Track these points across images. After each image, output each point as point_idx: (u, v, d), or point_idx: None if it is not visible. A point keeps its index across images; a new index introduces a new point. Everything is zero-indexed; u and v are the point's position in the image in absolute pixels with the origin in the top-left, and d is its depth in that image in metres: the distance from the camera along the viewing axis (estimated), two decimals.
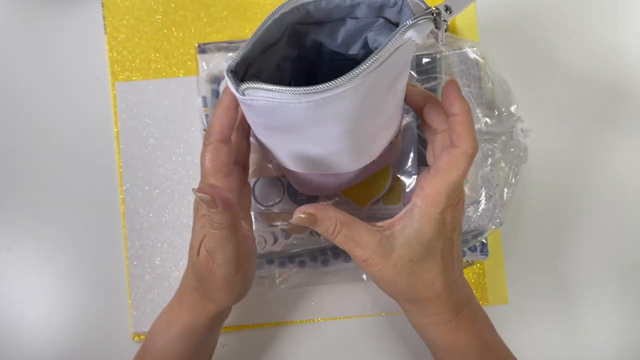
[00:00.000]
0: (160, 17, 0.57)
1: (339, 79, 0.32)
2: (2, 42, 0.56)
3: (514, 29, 0.57)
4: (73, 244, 0.54)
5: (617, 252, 0.56)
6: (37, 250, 0.54)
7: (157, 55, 0.56)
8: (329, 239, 0.40)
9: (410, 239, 0.39)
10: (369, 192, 0.49)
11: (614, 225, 0.56)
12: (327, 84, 0.32)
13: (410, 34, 0.34)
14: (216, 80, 0.54)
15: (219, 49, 0.55)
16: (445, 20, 0.36)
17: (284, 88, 0.32)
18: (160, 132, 0.55)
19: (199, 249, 0.40)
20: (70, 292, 0.54)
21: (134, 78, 0.56)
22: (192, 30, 0.57)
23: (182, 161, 0.55)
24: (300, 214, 0.39)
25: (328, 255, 0.52)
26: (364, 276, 0.54)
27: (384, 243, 0.39)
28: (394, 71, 0.35)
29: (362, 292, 0.54)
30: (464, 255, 0.53)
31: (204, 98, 0.54)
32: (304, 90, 0.32)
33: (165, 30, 0.56)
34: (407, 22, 0.34)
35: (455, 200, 0.39)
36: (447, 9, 0.36)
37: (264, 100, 0.33)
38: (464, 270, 0.55)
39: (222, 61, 0.54)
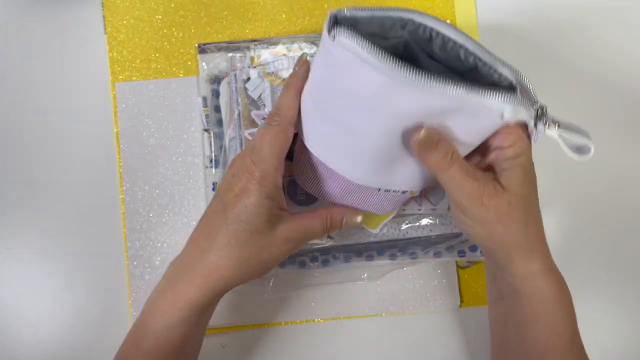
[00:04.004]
0: (160, 17, 0.57)
1: (436, 77, 0.34)
2: (2, 42, 0.56)
3: (514, 28, 0.57)
4: (73, 243, 0.54)
5: (617, 252, 0.56)
6: (37, 250, 0.54)
7: (157, 55, 0.56)
8: (437, 168, 0.38)
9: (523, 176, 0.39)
10: (380, 216, 0.50)
11: (614, 225, 0.56)
12: (422, 73, 0.34)
13: (504, 107, 0.36)
14: (216, 80, 0.54)
15: (219, 49, 0.55)
16: (547, 126, 0.38)
17: (374, 49, 0.33)
18: (161, 132, 0.55)
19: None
20: (70, 292, 0.54)
21: (134, 78, 0.56)
22: (192, 31, 0.57)
23: (182, 161, 0.55)
24: (423, 132, 0.37)
25: (328, 255, 0.52)
26: (364, 276, 0.54)
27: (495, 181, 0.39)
28: (466, 126, 0.37)
29: (362, 292, 0.54)
30: (463, 255, 0.53)
31: (204, 98, 0.54)
32: (395, 62, 0.33)
33: (165, 31, 0.56)
34: (510, 97, 0.36)
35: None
36: (556, 122, 0.38)
37: (346, 52, 0.34)
38: (464, 270, 0.55)
39: (222, 61, 0.54)
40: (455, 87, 0.34)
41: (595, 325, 0.55)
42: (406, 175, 0.42)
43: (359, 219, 0.46)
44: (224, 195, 0.42)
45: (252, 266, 0.42)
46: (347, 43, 0.34)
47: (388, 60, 0.33)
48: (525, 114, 0.37)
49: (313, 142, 0.42)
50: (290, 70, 0.52)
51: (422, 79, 0.34)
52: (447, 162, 0.38)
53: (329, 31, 0.34)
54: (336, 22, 0.35)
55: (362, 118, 0.37)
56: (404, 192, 0.43)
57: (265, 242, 0.42)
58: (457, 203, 0.39)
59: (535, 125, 0.38)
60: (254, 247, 0.41)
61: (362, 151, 0.39)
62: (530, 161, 0.39)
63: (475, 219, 0.39)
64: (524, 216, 0.39)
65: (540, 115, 0.38)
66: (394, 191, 0.43)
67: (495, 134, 0.39)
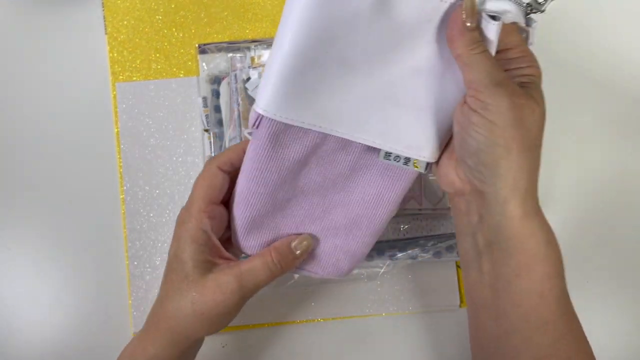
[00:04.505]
0: (160, 17, 0.57)
1: None
2: (3, 42, 0.56)
3: None
4: (73, 243, 0.54)
5: (617, 252, 0.56)
6: (37, 250, 0.54)
7: (158, 55, 0.56)
8: (469, 48, 0.36)
9: None
10: None
11: (614, 225, 0.56)
12: None
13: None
14: (216, 80, 0.54)
15: (219, 50, 0.55)
16: (540, 10, 0.36)
17: None
18: (161, 133, 0.55)
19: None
20: (70, 292, 0.54)
21: (134, 78, 0.56)
22: (193, 31, 0.57)
23: (182, 161, 0.55)
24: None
25: None
26: (364, 275, 0.54)
27: None
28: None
29: (362, 292, 0.54)
30: None
31: (204, 98, 0.54)
32: None
33: (165, 31, 0.57)
34: None
35: None
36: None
37: None
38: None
39: (223, 61, 0.54)
40: None
41: (594, 325, 0.55)
42: (405, 121, 0.39)
43: (308, 241, 0.42)
44: None
45: (188, 317, 0.39)
46: None
47: None
48: (514, 9, 0.36)
49: (302, 110, 0.38)
50: None
51: None
52: (481, 45, 0.36)
53: None
54: None
55: (357, 44, 0.36)
56: (406, 162, 0.40)
57: (196, 291, 0.39)
58: (479, 97, 0.36)
59: (527, 22, 0.37)
60: (186, 298, 0.39)
61: (356, 84, 0.38)
62: None
63: (496, 120, 0.36)
64: (539, 135, 0.37)
65: (532, 9, 0.37)
66: (395, 158, 0.40)
67: (510, 58, 0.38)
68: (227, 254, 0.42)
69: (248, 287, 0.40)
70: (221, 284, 0.39)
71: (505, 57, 0.38)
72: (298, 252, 0.41)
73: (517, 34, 0.38)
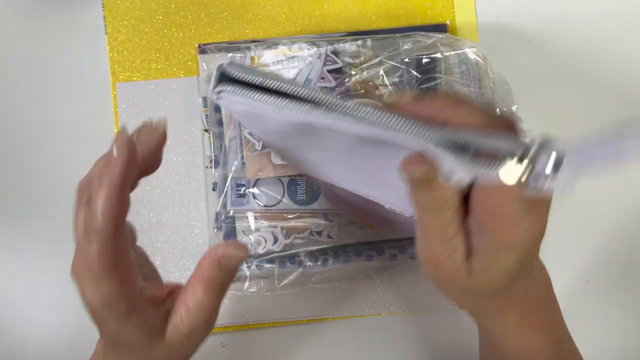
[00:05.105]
0: (160, 17, 0.57)
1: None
2: (2, 42, 0.56)
3: (514, 28, 0.57)
4: (74, 244, 0.54)
5: (617, 252, 0.56)
6: (37, 250, 0.54)
7: (158, 55, 0.56)
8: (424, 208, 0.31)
9: None
10: None
11: (614, 225, 0.56)
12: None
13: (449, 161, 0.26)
14: None
15: (220, 50, 0.55)
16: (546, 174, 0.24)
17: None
18: None
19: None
20: (70, 292, 0.53)
21: (134, 78, 0.56)
22: (193, 31, 0.57)
23: (182, 161, 0.55)
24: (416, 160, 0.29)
25: (328, 255, 0.52)
26: (364, 275, 0.54)
27: None
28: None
29: (362, 292, 0.54)
30: None
31: (204, 98, 0.55)
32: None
33: (165, 31, 0.57)
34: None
35: None
36: (557, 162, 0.23)
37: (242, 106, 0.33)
38: None
39: (223, 62, 0.54)
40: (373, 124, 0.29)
41: (594, 325, 0.55)
42: (397, 195, 0.35)
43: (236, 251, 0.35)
44: None
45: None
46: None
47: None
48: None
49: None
50: (289, 71, 0.52)
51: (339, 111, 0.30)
52: (439, 206, 0.30)
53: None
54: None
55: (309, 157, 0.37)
56: (410, 217, 0.38)
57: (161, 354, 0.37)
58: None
59: (531, 172, 0.26)
60: None
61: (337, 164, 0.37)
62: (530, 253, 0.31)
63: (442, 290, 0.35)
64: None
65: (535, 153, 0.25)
66: (400, 212, 0.39)
67: (484, 211, 0.30)
68: (152, 292, 0.36)
69: (197, 324, 0.36)
70: (181, 337, 0.36)
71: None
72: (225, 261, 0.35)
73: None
